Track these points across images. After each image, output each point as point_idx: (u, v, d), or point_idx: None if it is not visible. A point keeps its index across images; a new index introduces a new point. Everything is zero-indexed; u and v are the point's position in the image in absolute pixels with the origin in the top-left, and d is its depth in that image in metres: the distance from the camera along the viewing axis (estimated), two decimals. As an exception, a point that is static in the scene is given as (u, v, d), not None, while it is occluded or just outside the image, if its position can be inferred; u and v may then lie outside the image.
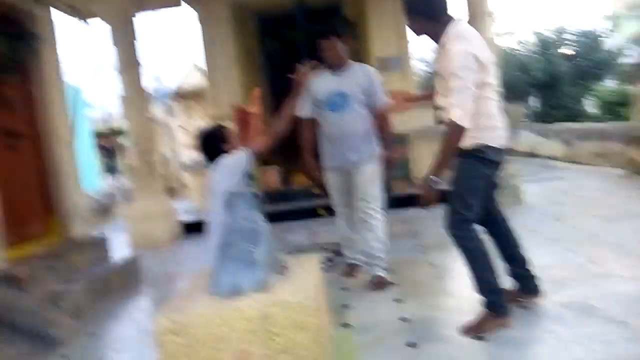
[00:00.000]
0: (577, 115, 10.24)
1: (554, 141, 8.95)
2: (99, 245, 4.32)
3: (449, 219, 2.53)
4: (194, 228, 6.32)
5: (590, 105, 10.98)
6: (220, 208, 2.26)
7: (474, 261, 2.51)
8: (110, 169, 15.07)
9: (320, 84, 3.37)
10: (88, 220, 4.91)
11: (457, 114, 2.28)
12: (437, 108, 2.68)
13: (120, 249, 5.16)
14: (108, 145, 15.37)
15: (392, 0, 7.42)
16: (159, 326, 1.44)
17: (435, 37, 2.43)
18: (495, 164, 2.50)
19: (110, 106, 17.15)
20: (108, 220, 8.74)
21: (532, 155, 9.79)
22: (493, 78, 2.46)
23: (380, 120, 3.49)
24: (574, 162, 8.16)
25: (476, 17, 5.63)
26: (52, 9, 4.71)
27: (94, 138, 19.35)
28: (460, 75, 2.27)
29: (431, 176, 2.35)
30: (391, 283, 3.35)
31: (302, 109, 3.38)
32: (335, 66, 3.35)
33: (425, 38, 2.51)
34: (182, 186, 11.70)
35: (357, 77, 3.35)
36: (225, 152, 2.34)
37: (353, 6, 7.43)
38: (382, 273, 3.39)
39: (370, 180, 3.40)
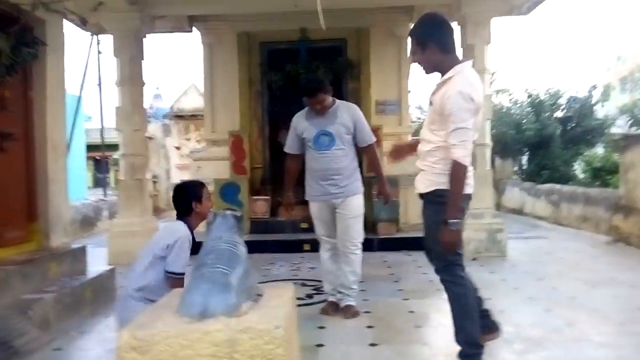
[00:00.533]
0: (566, 178, 10.41)
1: (542, 201, 9.07)
2: (77, 257, 4.25)
3: (440, 265, 2.53)
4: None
5: (579, 170, 11.20)
6: (142, 264, 2.56)
7: (461, 309, 2.49)
8: (100, 182, 14.94)
9: (307, 124, 3.55)
10: (70, 232, 4.83)
11: (461, 153, 2.34)
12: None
13: (98, 263, 5.07)
14: (101, 158, 15.30)
15: (394, 44, 7.68)
16: (122, 343, 1.41)
17: (442, 70, 2.46)
18: (465, 209, 2.48)
19: (107, 120, 17.18)
20: (90, 234, 8.61)
21: (519, 212, 9.90)
22: (478, 125, 2.53)
23: (370, 156, 3.72)
24: (559, 223, 8.25)
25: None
26: (64, 20, 4.78)
27: (87, 149, 19.32)
28: (462, 117, 2.32)
29: (449, 220, 2.34)
30: (358, 312, 3.53)
31: (289, 146, 3.66)
32: (319, 112, 3.53)
33: (434, 72, 2.53)
34: (169, 207, 11.61)
35: (342, 116, 3.51)
36: (193, 210, 2.65)
37: (356, 47, 7.64)
38: (352, 302, 3.56)
39: (354, 216, 3.52)
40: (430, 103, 2.56)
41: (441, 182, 2.44)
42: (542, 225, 8.38)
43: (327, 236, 3.64)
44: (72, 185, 4.86)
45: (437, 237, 2.40)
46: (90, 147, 20.78)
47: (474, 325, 2.48)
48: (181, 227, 2.63)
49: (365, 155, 3.81)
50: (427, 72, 2.56)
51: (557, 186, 8.94)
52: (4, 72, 3.70)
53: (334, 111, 3.53)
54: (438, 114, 2.44)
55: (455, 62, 2.46)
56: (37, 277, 3.64)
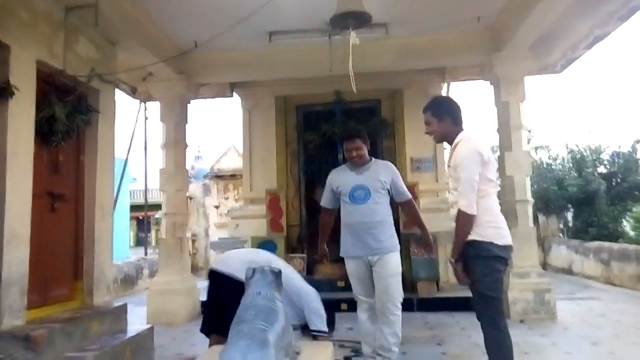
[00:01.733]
0: (615, 235, 9.93)
1: (591, 260, 8.64)
2: (118, 316, 4.30)
3: (482, 317, 2.66)
4: (213, 309, 6.24)
5: (628, 227, 10.68)
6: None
7: (496, 353, 2.60)
8: (142, 241, 15.29)
9: (343, 178, 3.61)
10: (113, 290, 4.94)
11: (464, 203, 2.56)
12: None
13: (138, 322, 5.11)
14: (143, 217, 15.76)
15: (427, 102, 7.78)
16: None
17: (451, 139, 2.80)
18: (502, 259, 2.66)
19: (151, 181, 17.84)
20: (131, 292, 8.74)
21: (567, 272, 9.43)
22: (495, 177, 2.74)
23: (410, 210, 3.73)
24: (611, 283, 7.79)
25: (510, 130, 5.77)
26: (116, 89, 5.15)
27: (130, 209, 20.00)
28: (466, 168, 2.59)
29: (451, 259, 2.67)
30: None
31: (325, 200, 3.73)
32: (357, 164, 3.58)
33: (443, 141, 2.91)
34: (207, 265, 11.72)
35: (378, 172, 3.56)
36: None
37: (389, 107, 7.81)
38: None
39: (392, 274, 3.44)
40: (449, 167, 2.87)
41: (485, 235, 2.62)
42: (592, 286, 7.93)
43: (364, 295, 3.57)
44: (115, 244, 5.01)
45: (479, 287, 2.62)
46: (133, 207, 21.56)
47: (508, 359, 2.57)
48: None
49: (404, 211, 3.81)
50: (437, 141, 3.02)
51: (607, 244, 8.52)
52: (59, 138, 3.98)
53: (370, 167, 3.59)
54: (456, 175, 2.69)
55: (460, 131, 2.81)
56: (79, 335, 3.69)
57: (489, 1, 5.10)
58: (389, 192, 3.57)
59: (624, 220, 10.67)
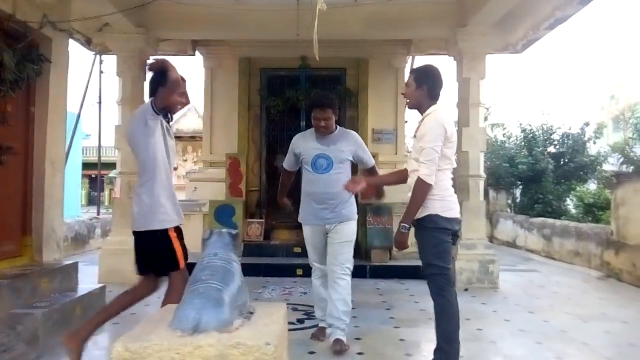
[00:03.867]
0: (558, 212, 10.49)
1: (534, 234, 9.12)
2: (68, 274, 4.23)
3: (430, 285, 2.77)
4: (167, 270, 6.21)
5: (571, 205, 11.29)
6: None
7: (444, 315, 2.72)
8: (94, 200, 14.91)
9: (307, 145, 3.57)
10: (62, 248, 4.82)
11: (424, 172, 2.67)
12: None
13: (89, 281, 5.04)
14: (96, 176, 15.31)
15: (391, 75, 7.86)
16: (115, 355, 1.42)
17: (422, 110, 2.87)
18: (448, 231, 2.76)
19: (105, 139, 17.25)
20: (82, 251, 8.55)
21: (512, 245, 9.93)
22: (452, 154, 2.83)
23: (373, 173, 3.73)
24: (551, 257, 8.28)
25: (469, 107, 5.92)
26: (70, 39, 4.88)
27: (83, 167, 19.34)
28: (430, 139, 2.68)
29: (401, 224, 2.74)
30: (346, 348, 3.35)
31: (286, 162, 3.74)
32: (324, 133, 3.54)
33: (414, 108, 2.95)
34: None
35: (343, 142, 3.54)
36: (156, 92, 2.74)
37: (354, 76, 7.80)
38: (342, 336, 3.38)
39: (344, 241, 3.47)
40: (414, 137, 2.93)
41: (432, 208, 2.72)
42: (534, 259, 8.41)
43: (319, 262, 3.60)
44: (66, 202, 4.86)
45: (427, 257, 2.74)
46: (86, 165, 20.84)
47: (454, 327, 2.70)
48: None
49: (368, 173, 3.76)
50: (409, 107, 3.03)
51: (550, 220, 9.00)
52: (7, 87, 3.77)
53: (335, 136, 3.56)
54: (419, 145, 2.77)
55: (432, 104, 2.87)
56: (28, 291, 3.61)
57: (458, -25, 5.12)
58: (351, 162, 3.57)
59: (567, 199, 11.26)
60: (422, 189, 2.67)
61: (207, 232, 1.76)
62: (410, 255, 6.85)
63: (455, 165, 2.91)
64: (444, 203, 2.75)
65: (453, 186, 2.89)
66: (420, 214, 2.73)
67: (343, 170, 3.50)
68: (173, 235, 2.82)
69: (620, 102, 27.70)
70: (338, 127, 3.63)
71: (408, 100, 2.97)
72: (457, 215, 2.81)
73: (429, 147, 2.67)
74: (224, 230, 1.74)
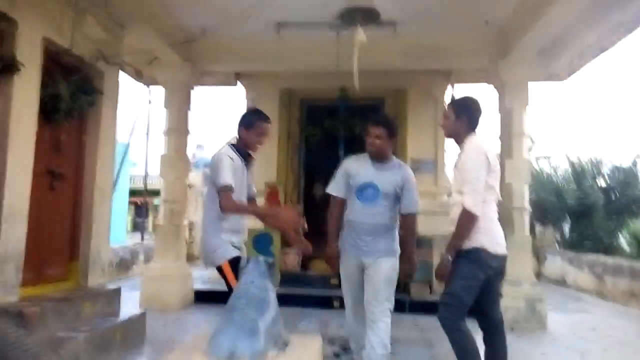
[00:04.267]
0: (610, 249, 9.94)
1: (585, 272, 8.65)
2: (111, 299, 4.32)
3: (443, 313, 2.71)
4: (206, 297, 6.26)
5: (623, 242, 10.69)
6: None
7: (461, 355, 2.65)
8: (139, 226, 15.28)
9: (360, 168, 3.29)
10: (107, 273, 4.95)
11: (469, 202, 2.58)
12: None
13: (130, 306, 5.13)
14: (141, 203, 15.77)
15: (431, 105, 7.81)
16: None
17: (460, 140, 2.85)
18: (491, 269, 2.66)
19: (151, 167, 17.87)
20: (126, 276, 8.76)
21: (561, 283, 9.45)
22: (496, 185, 2.75)
23: (407, 225, 3.33)
24: (604, 297, 7.81)
25: (512, 137, 5.78)
26: (120, 71, 5.14)
27: (129, 194, 20.02)
28: (473, 169, 2.62)
29: (445, 255, 2.67)
30: None
31: (335, 188, 3.35)
32: (376, 157, 3.27)
33: (452, 137, 2.93)
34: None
35: (395, 175, 3.25)
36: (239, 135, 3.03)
37: (393, 106, 7.79)
38: None
39: (385, 280, 3.17)
40: (455, 167, 2.90)
41: (478, 241, 2.63)
42: (584, 299, 7.95)
43: (351, 298, 3.33)
44: (113, 228, 5.02)
45: (454, 285, 2.67)
46: (133, 192, 21.55)
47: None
48: (221, 148, 2.91)
49: (404, 224, 3.33)
50: (447, 136, 3.01)
51: (601, 258, 8.53)
52: (62, 116, 3.98)
53: (389, 167, 3.28)
54: (461, 176, 2.72)
55: (472, 135, 2.87)
56: (71, 315, 3.70)
57: (498, 5, 5.10)
58: (398, 197, 3.27)
59: (620, 235, 10.68)
60: (468, 221, 2.58)
61: (244, 260, 1.76)
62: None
63: (500, 198, 2.82)
64: (491, 237, 2.66)
65: (498, 219, 2.80)
66: (466, 246, 2.64)
67: (388, 203, 3.23)
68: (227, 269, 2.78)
69: (675, 133, 26.39)
70: (394, 158, 3.35)
71: (445, 131, 2.97)
72: (504, 252, 2.70)
73: (473, 177, 2.61)
74: (261, 258, 1.73)
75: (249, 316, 1.51)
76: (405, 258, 3.28)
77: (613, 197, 10.82)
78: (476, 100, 2.91)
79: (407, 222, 3.31)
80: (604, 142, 37.92)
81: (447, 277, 2.67)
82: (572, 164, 11.58)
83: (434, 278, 6.47)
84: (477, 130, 2.86)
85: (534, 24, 4.79)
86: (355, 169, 3.30)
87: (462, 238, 2.62)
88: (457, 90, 8.16)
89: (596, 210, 10.31)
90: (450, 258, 2.64)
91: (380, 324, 3.10)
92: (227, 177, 2.87)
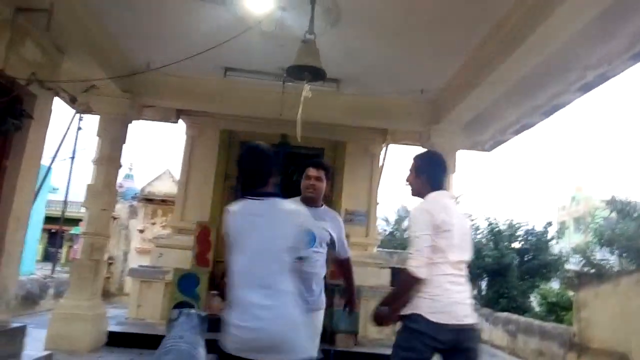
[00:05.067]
0: (523, 309, 10.56)
1: (499, 330, 9.07)
2: (15, 337, 3.96)
3: None
4: (121, 339, 5.88)
5: (535, 302, 11.40)
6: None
7: None
8: (51, 256, 14.25)
9: None
10: (12, 308, 4.54)
11: (412, 263, 2.40)
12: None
13: (36, 346, 4.71)
14: (57, 231, 14.75)
15: (367, 159, 8.12)
16: None
17: (421, 197, 2.69)
18: (437, 341, 2.37)
19: (73, 194, 16.83)
20: (31, 312, 8.04)
21: (476, 338, 9.82)
22: (448, 247, 2.49)
23: (345, 267, 3.44)
24: (516, 355, 8.20)
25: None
26: (56, 97, 4.94)
27: (44, 220, 18.65)
28: (415, 229, 2.48)
29: (380, 307, 2.56)
30: None
31: None
32: (310, 202, 3.22)
33: (416, 196, 2.76)
34: (120, 292, 11.08)
35: (327, 222, 3.24)
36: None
37: (332, 157, 7.99)
38: None
39: (315, 333, 3.12)
40: None
41: (417, 306, 2.43)
42: (498, 355, 8.30)
43: None
44: (23, 257, 4.65)
45: (392, 357, 2.46)
46: (48, 219, 20.09)
47: None
48: (293, 203, 2.41)
49: (340, 268, 3.46)
50: (412, 194, 2.80)
51: (514, 316, 9.01)
52: (-15, 139, 3.74)
53: (323, 213, 3.27)
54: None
55: (431, 193, 2.68)
56: (-34, 355, 3.36)
57: (433, 78, 5.51)
58: (328, 246, 3.28)
59: (531, 296, 11.38)
60: (408, 281, 2.40)
61: (176, 312, 1.71)
62: (377, 342, 6.72)
63: (457, 259, 2.53)
64: (433, 304, 2.40)
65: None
66: (405, 311, 2.46)
67: (322, 250, 3.21)
68: None
69: (581, 203, 29.01)
70: (323, 204, 3.35)
71: (411, 189, 2.80)
72: (453, 322, 2.37)
73: (415, 238, 2.44)
74: (193, 311, 1.70)
75: (176, 373, 1.47)
76: (349, 293, 3.44)
77: (526, 259, 11.60)
78: (437, 157, 2.82)
79: (346, 265, 3.45)
80: (520, 207, 40.79)
81: (383, 322, 2.57)
82: (490, 225, 12.34)
83: (359, 329, 6.58)
84: (441, 187, 2.69)
85: (461, 99, 5.24)
86: None
87: (397, 298, 2.48)
88: (391, 149, 8.56)
89: (511, 270, 10.99)
90: (383, 309, 2.50)
91: None
92: None
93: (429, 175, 2.70)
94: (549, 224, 12.13)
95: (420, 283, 2.40)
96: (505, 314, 9.31)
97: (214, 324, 7.22)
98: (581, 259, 11.15)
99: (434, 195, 2.64)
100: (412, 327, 2.41)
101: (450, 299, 2.43)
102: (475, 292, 12.06)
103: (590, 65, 4.55)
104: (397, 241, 18.88)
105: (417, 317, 2.40)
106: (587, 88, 5.00)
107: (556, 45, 3.92)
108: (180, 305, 1.90)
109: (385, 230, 20.84)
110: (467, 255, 2.63)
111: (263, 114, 6.54)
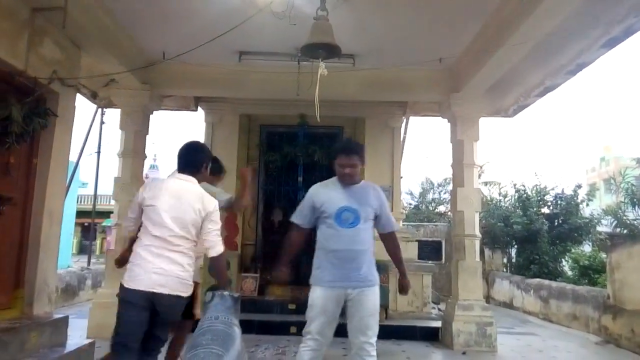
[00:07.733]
0: (555, 274, 10.44)
1: (531, 296, 9.03)
2: (58, 328, 4.12)
3: None
4: (158, 326, 6.07)
5: (567, 266, 11.24)
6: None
7: None
8: (85, 249, 14.71)
9: (331, 195, 3.13)
10: (54, 300, 4.73)
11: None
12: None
13: (78, 335, 4.91)
14: (89, 224, 15.20)
15: (387, 134, 8.05)
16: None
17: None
18: (131, 305, 2.69)
19: (101, 187, 17.26)
20: (72, 303, 8.36)
21: (509, 306, 9.80)
22: (151, 221, 2.83)
23: (392, 244, 3.29)
24: (549, 319, 8.17)
25: (463, 167, 6.04)
26: (77, 93, 5.03)
27: (76, 215, 19.23)
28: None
29: None
30: None
31: (300, 217, 3.20)
32: (348, 182, 3.15)
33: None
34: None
35: (370, 197, 3.16)
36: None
37: (351, 134, 7.98)
38: None
39: (373, 314, 3.03)
40: None
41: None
42: (531, 321, 8.28)
43: (318, 333, 2.99)
44: (59, 251, 4.82)
45: None
46: (80, 213, 20.72)
47: None
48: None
49: (386, 243, 3.30)
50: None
51: (546, 282, 8.94)
52: (13, 139, 3.84)
53: (362, 188, 3.17)
54: None
55: None
56: (16, 346, 3.52)
57: (450, 45, 5.38)
58: (375, 218, 3.19)
59: (563, 261, 11.23)
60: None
61: (210, 294, 1.76)
62: (407, 315, 6.79)
63: (155, 233, 2.82)
64: (129, 272, 2.82)
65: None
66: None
67: (368, 227, 3.12)
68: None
69: (611, 164, 28.26)
70: (362, 179, 3.26)
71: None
72: (139, 287, 2.67)
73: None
74: (226, 293, 1.74)
75: (214, 352, 1.52)
76: (401, 273, 3.28)
77: (556, 224, 11.40)
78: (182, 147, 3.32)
79: (392, 240, 3.28)
80: (548, 171, 40.09)
81: None
82: (518, 192, 12.14)
83: (389, 303, 6.63)
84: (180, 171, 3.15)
85: (482, 64, 5.10)
86: (326, 195, 3.14)
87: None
88: (412, 122, 8.47)
89: (541, 236, 10.83)
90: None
91: (368, 359, 2.99)
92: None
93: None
94: (579, 186, 11.85)
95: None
96: (536, 280, 9.24)
97: (244, 304, 7.38)
98: (613, 220, 10.90)
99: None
100: (120, 295, 2.86)
101: (143, 266, 2.74)
102: (505, 260, 11.96)
103: (616, 18, 4.36)
104: (422, 214, 18.83)
105: (121, 286, 2.82)
106: (612, 43, 4.81)
107: (579, -1, 3.76)
108: (213, 289, 1.95)
109: (410, 205, 20.78)
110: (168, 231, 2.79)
111: (280, 96, 6.53)
